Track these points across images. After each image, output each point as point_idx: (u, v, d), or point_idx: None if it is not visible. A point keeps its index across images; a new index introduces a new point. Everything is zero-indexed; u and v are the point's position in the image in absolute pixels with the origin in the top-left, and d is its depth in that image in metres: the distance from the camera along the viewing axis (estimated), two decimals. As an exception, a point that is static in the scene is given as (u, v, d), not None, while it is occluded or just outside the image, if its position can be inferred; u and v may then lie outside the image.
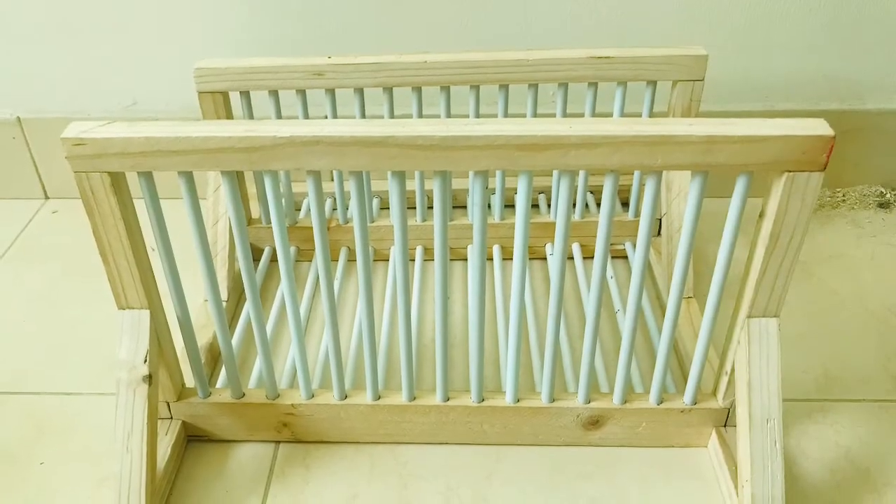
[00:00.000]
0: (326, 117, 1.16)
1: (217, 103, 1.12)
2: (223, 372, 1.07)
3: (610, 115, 1.23)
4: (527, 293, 1.21)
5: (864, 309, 1.23)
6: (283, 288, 0.92)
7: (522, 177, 0.80)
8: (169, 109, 1.41)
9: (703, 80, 1.10)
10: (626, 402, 0.98)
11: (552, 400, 0.99)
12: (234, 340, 1.14)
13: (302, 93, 1.13)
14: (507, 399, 0.99)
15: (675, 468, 1.00)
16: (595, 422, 1.00)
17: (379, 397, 1.00)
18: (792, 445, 1.03)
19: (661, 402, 0.98)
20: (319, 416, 1.01)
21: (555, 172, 1.24)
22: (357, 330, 1.15)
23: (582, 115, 1.21)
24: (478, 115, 1.16)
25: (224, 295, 1.20)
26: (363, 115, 1.15)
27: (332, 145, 0.77)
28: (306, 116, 1.16)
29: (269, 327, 1.16)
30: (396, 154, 0.78)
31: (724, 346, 0.95)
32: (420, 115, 1.15)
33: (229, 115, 1.15)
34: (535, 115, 1.16)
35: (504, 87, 1.13)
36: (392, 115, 1.16)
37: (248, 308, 1.09)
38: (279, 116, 1.16)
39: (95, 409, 1.10)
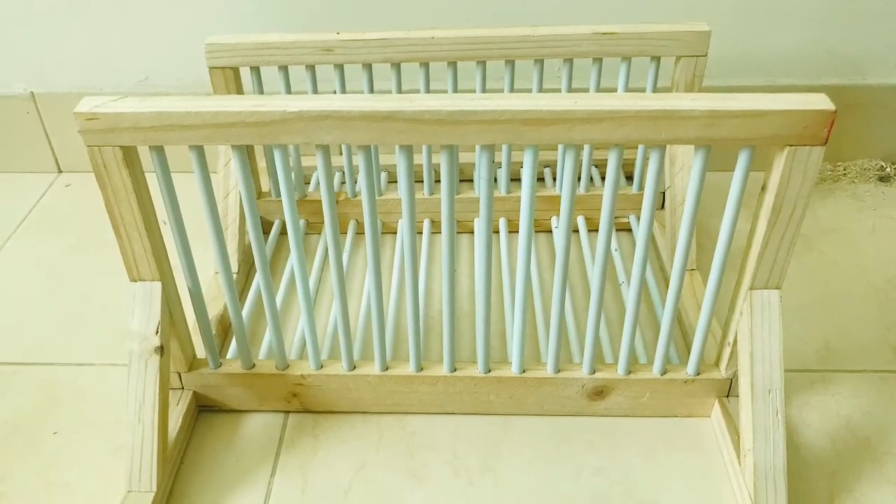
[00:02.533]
0: (335, 92, 1.17)
1: (227, 78, 1.14)
2: (233, 343, 1.09)
3: (614, 90, 1.24)
4: (532, 265, 1.22)
5: (864, 281, 1.24)
6: (292, 260, 0.93)
7: (528, 151, 0.82)
8: (180, 85, 1.42)
9: (705, 55, 1.11)
10: (630, 372, 1.00)
11: (557, 370, 1.00)
12: (245, 312, 1.16)
13: (311, 68, 1.14)
14: (514, 369, 1.00)
15: (679, 438, 1.02)
16: (599, 392, 1.01)
17: (387, 368, 1.02)
18: (793, 415, 1.04)
19: (664, 372, 1.00)
20: (328, 386, 1.02)
21: (560, 147, 1.25)
22: (365, 301, 1.16)
23: (587, 91, 1.22)
24: (484, 91, 1.17)
25: (234, 267, 1.21)
26: (371, 91, 1.16)
27: (341, 120, 0.79)
28: (315, 92, 1.17)
29: (278, 299, 1.18)
30: (404, 128, 0.79)
31: (727, 317, 0.96)
32: (427, 91, 1.17)
33: (239, 91, 1.16)
34: (540, 90, 1.17)
35: (510, 63, 1.14)
36: (400, 91, 1.17)
37: (257, 280, 1.11)
38: (289, 91, 1.17)
39: (108, 380, 1.12)
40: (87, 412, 1.07)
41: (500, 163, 1.28)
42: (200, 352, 1.04)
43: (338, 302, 0.95)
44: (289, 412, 1.06)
